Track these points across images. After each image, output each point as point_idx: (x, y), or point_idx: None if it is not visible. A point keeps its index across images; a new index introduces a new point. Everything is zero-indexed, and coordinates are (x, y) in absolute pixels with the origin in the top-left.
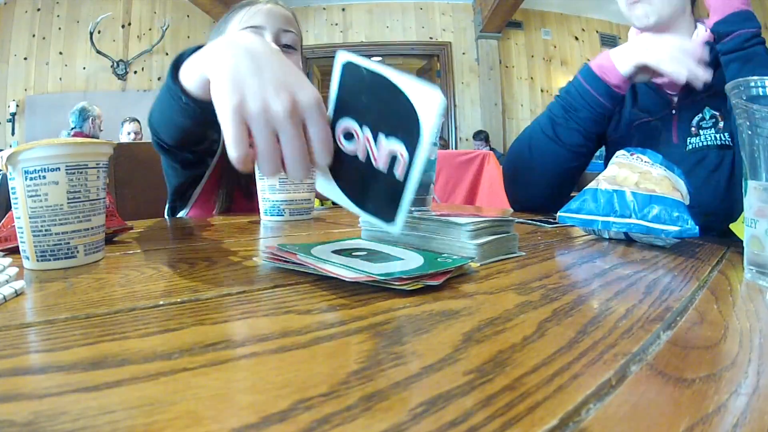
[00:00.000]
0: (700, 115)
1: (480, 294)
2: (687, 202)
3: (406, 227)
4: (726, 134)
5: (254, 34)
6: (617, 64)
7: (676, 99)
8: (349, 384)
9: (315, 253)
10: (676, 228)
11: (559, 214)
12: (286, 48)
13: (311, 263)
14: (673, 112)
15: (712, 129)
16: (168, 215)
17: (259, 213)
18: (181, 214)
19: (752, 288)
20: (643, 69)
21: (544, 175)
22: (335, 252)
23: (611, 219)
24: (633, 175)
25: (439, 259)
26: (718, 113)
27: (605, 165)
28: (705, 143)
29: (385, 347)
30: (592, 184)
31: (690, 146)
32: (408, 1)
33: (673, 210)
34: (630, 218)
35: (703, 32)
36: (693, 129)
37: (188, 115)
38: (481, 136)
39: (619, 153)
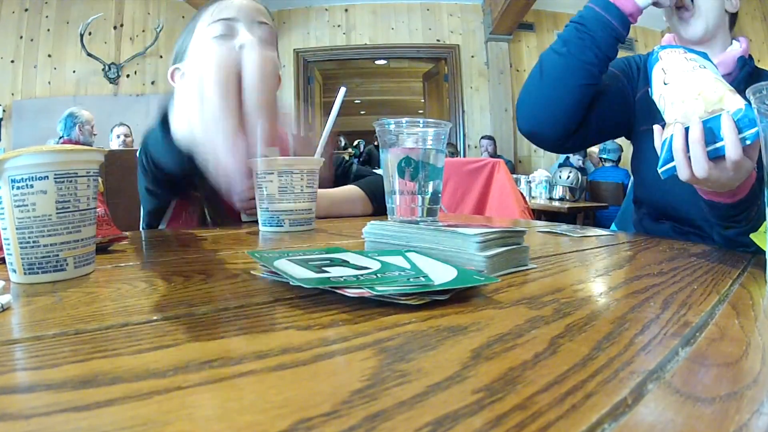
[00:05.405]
0: None
1: (489, 308)
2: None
3: (413, 239)
4: None
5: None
6: None
7: None
8: (352, 403)
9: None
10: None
11: (660, 170)
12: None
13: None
14: None
15: None
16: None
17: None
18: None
19: None
20: None
21: (555, 91)
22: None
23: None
24: (696, 101)
25: (475, 276)
26: None
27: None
28: None
29: (390, 364)
30: (666, 133)
31: None
32: (414, 1)
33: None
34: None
35: (737, 48)
36: None
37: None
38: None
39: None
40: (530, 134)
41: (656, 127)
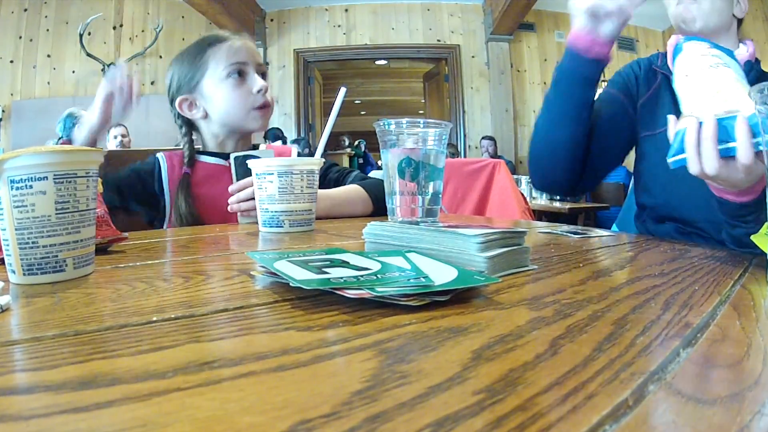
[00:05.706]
0: None
1: (490, 309)
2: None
3: (414, 240)
4: None
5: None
6: (573, 22)
7: None
8: (352, 404)
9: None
10: None
11: (670, 160)
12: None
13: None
14: None
15: None
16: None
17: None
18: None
19: None
20: (595, 16)
21: (549, 148)
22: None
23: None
24: (714, 98)
25: (476, 277)
26: None
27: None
28: None
29: (390, 366)
30: (681, 124)
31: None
32: (415, 1)
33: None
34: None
35: (744, 51)
36: None
37: None
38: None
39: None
40: (545, 188)
41: (671, 117)
